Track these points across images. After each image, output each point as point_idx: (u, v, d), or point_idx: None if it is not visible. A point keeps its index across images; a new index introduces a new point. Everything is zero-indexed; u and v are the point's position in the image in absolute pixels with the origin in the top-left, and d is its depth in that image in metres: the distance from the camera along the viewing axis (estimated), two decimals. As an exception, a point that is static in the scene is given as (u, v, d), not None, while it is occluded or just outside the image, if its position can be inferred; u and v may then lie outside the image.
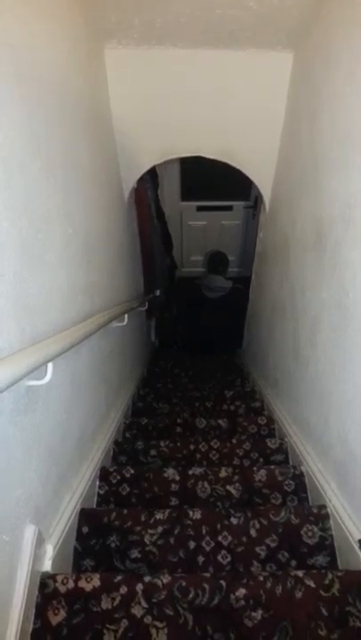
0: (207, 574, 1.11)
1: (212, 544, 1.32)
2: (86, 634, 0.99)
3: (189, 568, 1.28)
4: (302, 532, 1.36)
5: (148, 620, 1.01)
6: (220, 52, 1.97)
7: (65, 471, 1.31)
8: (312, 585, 1.06)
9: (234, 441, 1.95)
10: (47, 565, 1.09)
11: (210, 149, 2.37)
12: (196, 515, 1.38)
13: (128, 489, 1.62)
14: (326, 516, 1.38)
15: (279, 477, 1.64)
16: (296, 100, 1.94)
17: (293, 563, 1.31)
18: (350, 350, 1.27)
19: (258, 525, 1.36)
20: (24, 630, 0.93)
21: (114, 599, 1.03)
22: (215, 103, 2.18)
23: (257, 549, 1.32)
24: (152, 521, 1.36)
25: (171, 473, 1.65)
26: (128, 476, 1.65)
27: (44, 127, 1.15)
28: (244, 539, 1.33)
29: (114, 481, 1.64)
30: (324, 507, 1.40)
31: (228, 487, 1.62)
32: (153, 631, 1.00)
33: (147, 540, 1.33)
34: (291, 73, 2.00)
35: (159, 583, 1.06)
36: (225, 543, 1.33)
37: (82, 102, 1.58)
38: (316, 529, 1.36)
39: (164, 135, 2.33)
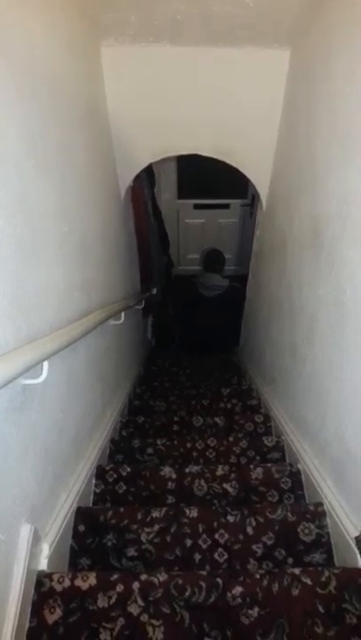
0: (204, 572, 1.11)
1: (209, 542, 1.32)
2: (83, 632, 0.99)
3: (186, 566, 1.28)
4: (299, 530, 1.36)
5: (144, 618, 1.01)
6: (218, 50, 1.97)
7: (61, 470, 1.31)
8: (309, 582, 1.06)
9: (231, 439, 1.95)
10: (43, 564, 1.09)
11: (206, 147, 2.36)
12: (193, 513, 1.38)
13: (124, 487, 1.62)
14: (323, 514, 1.38)
15: (276, 475, 1.64)
16: (293, 99, 1.94)
17: (290, 560, 1.31)
18: (348, 348, 1.27)
19: (254, 523, 1.36)
20: (20, 629, 0.93)
21: (110, 597, 1.03)
22: (212, 101, 2.18)
23: (254, 547, 1.32)
24: (148, 519, 1.36)
25: (167, 471, 1.65)
26: (124, 474, 1.65)
27: (40, 124, 1.14)
28: (241, 536, 1.33)
29: (110, 479, 1.63)
30: (320, 504, 1.40)
31: (224, 485, 1.62)
32: (149, 629, 0.99)
33: (143, 538, 1.33)
34: (288, 71, 1.99)
35: (156, 581, 1.06)
36: (221, 541, 1.33)
37: (78, 100, 1.57)
38: (312, 526, 1.36)
39: (161, 133, 2.32)
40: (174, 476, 1.63)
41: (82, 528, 1.34)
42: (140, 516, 1.36)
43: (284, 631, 0.99)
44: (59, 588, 1.04)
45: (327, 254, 1.45)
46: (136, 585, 1.05)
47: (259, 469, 1.66)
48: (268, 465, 1.69)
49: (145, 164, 2.48)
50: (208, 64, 2.04)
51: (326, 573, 1.08)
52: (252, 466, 1.68)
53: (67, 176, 1.40)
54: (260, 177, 2.49)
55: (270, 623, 1.01)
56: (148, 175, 3.48)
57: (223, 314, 4.15)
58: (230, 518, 1.37)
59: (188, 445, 1.92)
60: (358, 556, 1.14)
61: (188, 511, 1.38)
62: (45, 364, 1.02)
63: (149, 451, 1.90)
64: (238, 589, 1.05)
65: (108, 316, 1.76)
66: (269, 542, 1.33)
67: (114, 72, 2.02)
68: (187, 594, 1.04)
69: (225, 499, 1.60)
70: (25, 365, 0.85)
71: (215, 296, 4.37)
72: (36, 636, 0.97)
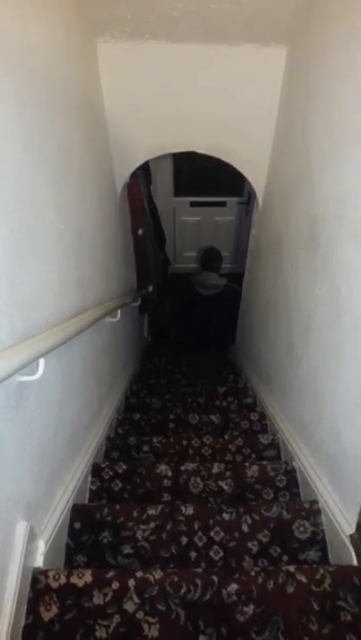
0: (199, 570, 1.11)
1: (205, 539, 1.33)
2: (78, 629, 0.99)
3: (181, 563, 1.28)
4: (294, 528, 1.36)
5: (140, 615, 1.01)
6: (214, 47, 1.96)
7: (57, 467, 1.31)
8: (304, 580, 1.06)
9: (226, 437, 1.96)
10: (39, 561, 1.09)
11: (203, 145, 2.35)
12: (189, 510, 1.38)
13: (120, 485, 1.62)
14: (318, 512, 1.38)
15: (271, 473, 1.65)
16: (290, 97, 1.94)
17: (285, 558, 1.31)
18: (343, 347, 1.27)
19: (250, 521, 1.36)
20: (16, 625, 0.93)
21: (106, 595, 1.03)
22: (209, 98, 2.17)
23: (249, 545, 1.32)
24: (144, 517, 1.36)
25: (163, 469, 1.65)
26: (120, 471, 1.65)
27: (36, 121, 1.14)
28: (236, 534, 1.34)
29: (106, 477, 1.63)
30: (315, 502, 1.41)
31: (220, 483, 1.63)
32: (145, 626, 1.00)
33: (139, 535, 1.33)
34: (285, 69, 1.99)
35: (151, 579, 1.06)
36: (217, 539, 1.33)
37: (74, 96, 1.56)
38: (307, 524, 1.37)
39: (158, 130, 2.31)
40: (170, 474, 1.64)
41: (78, 525, 1.34)
42: (135, 514, 1.37)
43: (279, 628, 1.00)
44: (54, 585, 1.04)
45: (323, 253, 1.46)
46: (132, 582, 1.05)
47: (254, 467, 1.66)
48: (264, 463, 1.70)
49: (141, 161, 2.47)
50: (205, 61, 2.03)
51: (321, 571, 1.08)
52: (247, 464, 1.69)
53: (62, 173, 1.39)
54: (256, 175, 2.49)
55: (265, 620, 1.01)
56: (144, 172, 3.47)
57: (219, 312, 4.15)
58: (226, 516, 1.37)
59: (184, 443, 1.92)
60: (353, 553, 1.15)
61: (183, 509, 1.38)
62: (41, 360, 1.01)
63: (145, 448, 1.90)
64: (234, 587, 1.05)
65: (105, 313, 1.76)
66: (265, 540, 1.33)
67: (110, 68, 2.01)
68: (182, 591, 1.04)
69: (221, 496, 1.60)
70: (21, 362, 0.84)
71: (212, 295, 4.37)
72: (32, 633, 0.97)
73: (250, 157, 2.41)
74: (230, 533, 1.34)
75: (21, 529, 1.01)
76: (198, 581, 1.06)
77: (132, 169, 2.50)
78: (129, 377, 2.92)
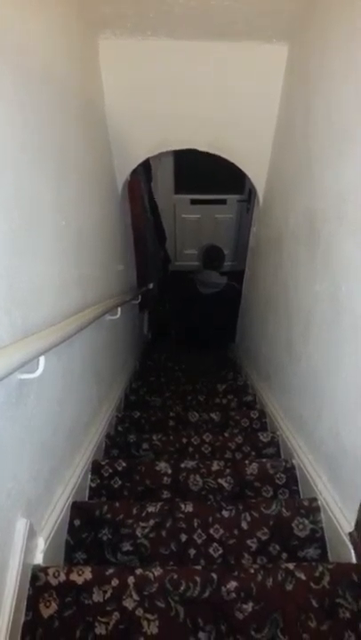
0: (198, 567, 1.11)
1: (204, 537, 1.33)
2: (78, 626, 0.99)
3: (181, 561, 1.29)
4: (293, 525, 1.37)
5: (139, 612, 1.01)
6: (215, 44, 1.95)
7: (57, 464, 1.31)
8: (303, 577, 1.07)
9: (226, 434, 1.96)
10: (39, 558, 1.09)
11: (204, 142, 2.35)
12: (188, 508, 1.38)
13: (120, 482, 1.62)
14: (317, 509, 1.38)
15: (271, 470, 1.65)
16: (291, 94, 1.93)
17: (284, 555, 1.32)
18: (343, 344, 1.27)
19: (249, 518, 1.36)
20: (15, 622, 0.93)
21: (105, 592, 1.04)
22: (210, 95, 2.16)
23: (248, 542, 1.33)
24: (144, 514, 1.36)
25: (163, 466, 1.65)
26: (120, 469, 1.65)
27: (36, 118, 1.13)
28: (236, 531, 1.34)
29: (106, 474, 1.64)
30: (315, 500, 1.41)
31: (219, 480, 1.63)
32: (144, 623, 1.00)
33: (138, 532, 1.33)
34: (286, 66, 1.98)
35: (151, 576, 1.06)
36: (216, 536, 1.33)
37: (74, 93, 1.56)
38: (306, 522, 1.37)
39: (158, 127, 2.31)
40: (170, 471, 1.64)
41: (77, 522, 1.35)
42: (135, 511, 1.37)
43: (278, 626, 1.00)
44: (54, 582, 1.04)
45: (323, 250, 1.45)
46: (131, 579, 1.05)
47: (254, 465, 1.66)
48: (264, 460, 1.70)
49: (142, 159, 2.46)
50: (206, 58, 2.02)
51: (320, 568, 1.08)
52: (247, 461, 1.69)
53: (63, 170, 1.39)
54: (257, 172, 2.49)
55: (264, 618, 1.01)
56: (144, 170, 3.46)
57: (220, 310, 4.14)
58: (225, 513, 1.37)
59: (184, 441, 1.92)
60: (352, 551, 1.15)
61: (183, 506, 1.38)
62: (41, 358, 1.01)
63: (145, 446, 1.91)
64: (233, 584, 1.05)
65: (105, 310, 1.76)
66: (264, 537, 1.34)
67: (111, 65, 2.00)
68: (182, 588, 1.05)
69: (220, 494, 1.60)
70: (21, 360, 0.84)
71: (212, 293, 4.36)
72: (32, 629, 0.98)
73: (251, 154, 2.40)
74: (230, 531, 1.34)
75: (21, 526, 1.01)
76: (198, 578, 1.06)
77: (133, 166, 2.50)
78: (129, 374, 2.92)
